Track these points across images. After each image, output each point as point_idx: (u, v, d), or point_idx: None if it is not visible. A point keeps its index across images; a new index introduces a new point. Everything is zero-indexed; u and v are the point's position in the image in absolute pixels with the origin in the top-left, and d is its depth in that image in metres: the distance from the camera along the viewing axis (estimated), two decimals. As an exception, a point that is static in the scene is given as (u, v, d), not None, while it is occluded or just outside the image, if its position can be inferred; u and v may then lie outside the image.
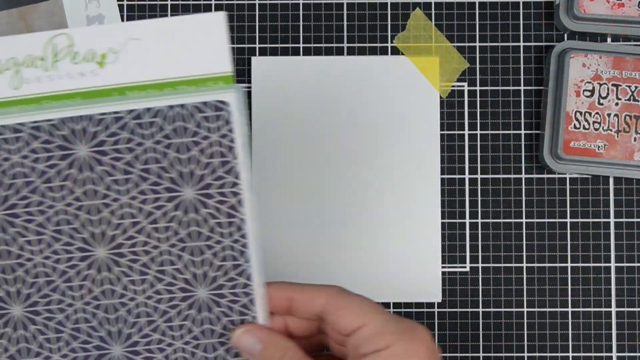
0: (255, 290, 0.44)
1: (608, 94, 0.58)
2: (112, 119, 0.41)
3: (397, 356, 0.41)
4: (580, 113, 0.58)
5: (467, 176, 0.60)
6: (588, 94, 0.58)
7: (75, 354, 0.43)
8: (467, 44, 0.60)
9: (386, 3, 0.61)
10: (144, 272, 0.43)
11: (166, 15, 0.61)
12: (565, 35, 0.60)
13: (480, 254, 0.60)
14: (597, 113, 0.58)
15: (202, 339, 0.44)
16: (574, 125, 0.58)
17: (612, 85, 0.58)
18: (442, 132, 0.60)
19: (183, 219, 0.42)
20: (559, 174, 0.60)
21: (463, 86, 0.60)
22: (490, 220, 0.60)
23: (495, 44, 0.60)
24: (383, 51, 0.60)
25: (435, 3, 0.61)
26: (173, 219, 0.42)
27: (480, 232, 0.60)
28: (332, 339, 0.45)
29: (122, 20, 0.61)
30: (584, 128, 0.58)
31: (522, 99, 0.60)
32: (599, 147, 0.58)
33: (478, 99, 0.60)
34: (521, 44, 0.60)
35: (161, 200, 0.42)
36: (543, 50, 0.60)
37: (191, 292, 0.43)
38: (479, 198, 0.60)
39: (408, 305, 0.60)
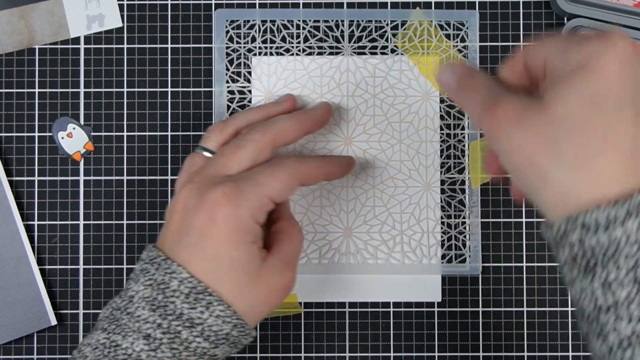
0: None
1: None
2: None
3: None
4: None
5: (467, 176, 0.60)
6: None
7: None
8: (467, 44, 0.60)
9: (386, 3, 0.61)
10: None
11: (166, 15, 0.61)
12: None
13: (480, 253, 0.60)
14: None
15: None
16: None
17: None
18: (442, 132, 0.60)
19: None
20: (559, 173, 0.60)
21: (463, 86, 0.60)
22: (491, 220, 0.60)
23: (496, 43, 0.60)
24: (383, 51, 0.60)
25: (435, 3, 0.61)
26: None
27: (480, 231, 0.60)
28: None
29: (123, 20, 0.61)
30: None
31: (522, 98, 0.60)
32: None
33: (478, 98, 0.60)
34: (521, 44, 0.60)
35: None
36: (543, 50, 0.60)
37: None
38: (479, 198, 0.60)
39: (408, 305, 0.60)
